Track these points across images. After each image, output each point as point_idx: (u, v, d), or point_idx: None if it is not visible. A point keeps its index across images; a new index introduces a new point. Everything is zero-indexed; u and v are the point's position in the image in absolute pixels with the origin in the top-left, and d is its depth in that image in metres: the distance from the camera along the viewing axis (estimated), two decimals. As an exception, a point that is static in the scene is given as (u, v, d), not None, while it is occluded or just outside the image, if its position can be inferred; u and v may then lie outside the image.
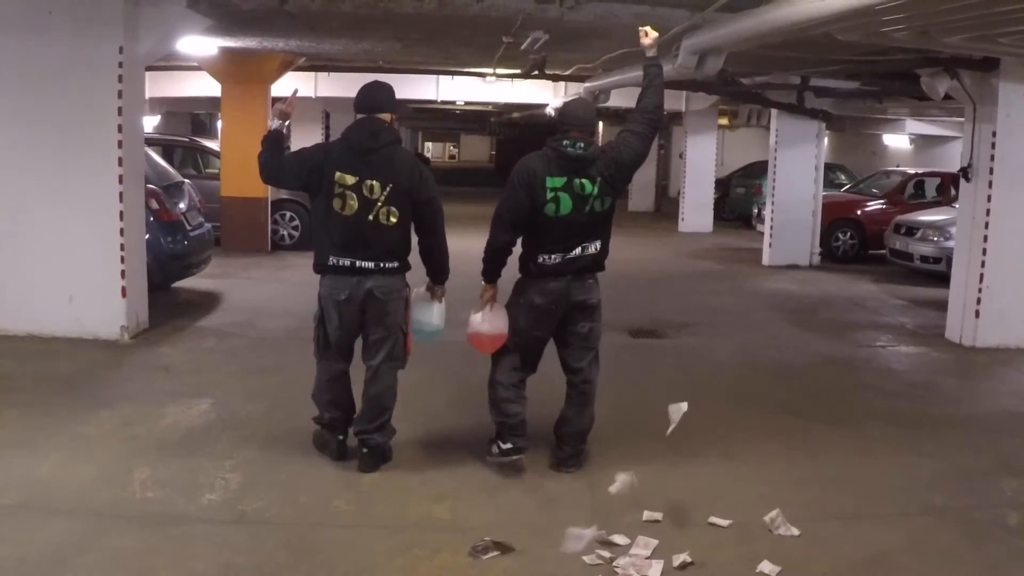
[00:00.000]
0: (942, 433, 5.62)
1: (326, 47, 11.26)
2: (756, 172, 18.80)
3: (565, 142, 4.44)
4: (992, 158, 7.71)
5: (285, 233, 12.92)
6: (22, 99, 6.88)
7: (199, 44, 10.22)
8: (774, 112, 13.16)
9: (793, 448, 5.22)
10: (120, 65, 6.80)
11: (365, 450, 4.58)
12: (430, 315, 4.76)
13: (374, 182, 4.38)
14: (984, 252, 7.77)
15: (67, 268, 6.92)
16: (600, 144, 4.77)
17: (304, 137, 15.71)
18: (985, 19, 5.07)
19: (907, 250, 11.89)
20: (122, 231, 6.91)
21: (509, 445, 4.67)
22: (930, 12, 4.86)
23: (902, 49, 6.89)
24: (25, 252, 6.94)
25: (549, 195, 4.40)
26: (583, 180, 4.43)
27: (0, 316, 6.92)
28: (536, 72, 12.16)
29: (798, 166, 12.99)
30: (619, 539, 3.88)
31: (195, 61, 12.16)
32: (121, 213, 6.90)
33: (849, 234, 14.05)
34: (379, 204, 4.39)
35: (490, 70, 13.83)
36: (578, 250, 4.50)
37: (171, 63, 12.73)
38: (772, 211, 13.13)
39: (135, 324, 7.18)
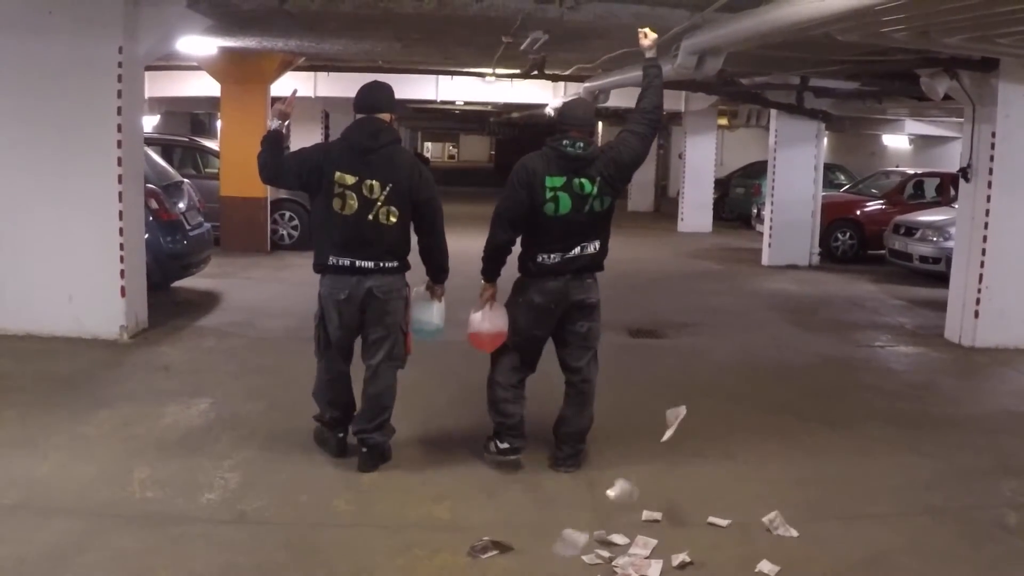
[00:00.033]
0: (941, 433, 5.62)
1: (326, 47, 11.26)
2: (755, 172, 18.80)
3: (565, 142, 4.45)
4: (991, 158, 7.72)
5: (284, 233, 12.92)
6: (22, 99, 6.88)
7: (199, 44, 10.22)
8: (773, 112, 13.16)
9: (792, 448, 5.22)
10: (120, 65, 6.79)
11: (364, 449, 4.58)
12: (430, 314, 4.77)
13: (374, 182, 4.38)
14: (983, 252, 7.77)
15: (66, 268, 6.92)
16: (599, 144, 4.78)
17: (304, 137, 15.70)
18: (985, 19, 5.08)
19: (906, 250, 11.89)
20: (121, 231, 6.91)
21: (506, 445, 4.70)
22: (930, 12, 4.87)
23: (902, 49, 6.89)
24: (25, 252, 6.94)
25: (548, 194, 4.41)
26: (582, 180, 4.44)
27: (-1, 315, 6.93)
28: (535, 72, 12.16)
29: (797, 166, 13.00)
30: (618, 539, 3.88)
31: (195, 61, 12.16)
32: (120, 213, 6.89)
33: (848, 234, 14.06)
34: (379, 204, 4.39)
35: (489, 70, 13.83)
36: (577, 249, 4.51)
37: (171, 63, 12.73)
38: (771, 211, 13.13)
39: (134, 324, 7.18)
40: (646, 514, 4.14)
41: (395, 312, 4.54)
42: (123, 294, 6.98)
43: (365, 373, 4.60)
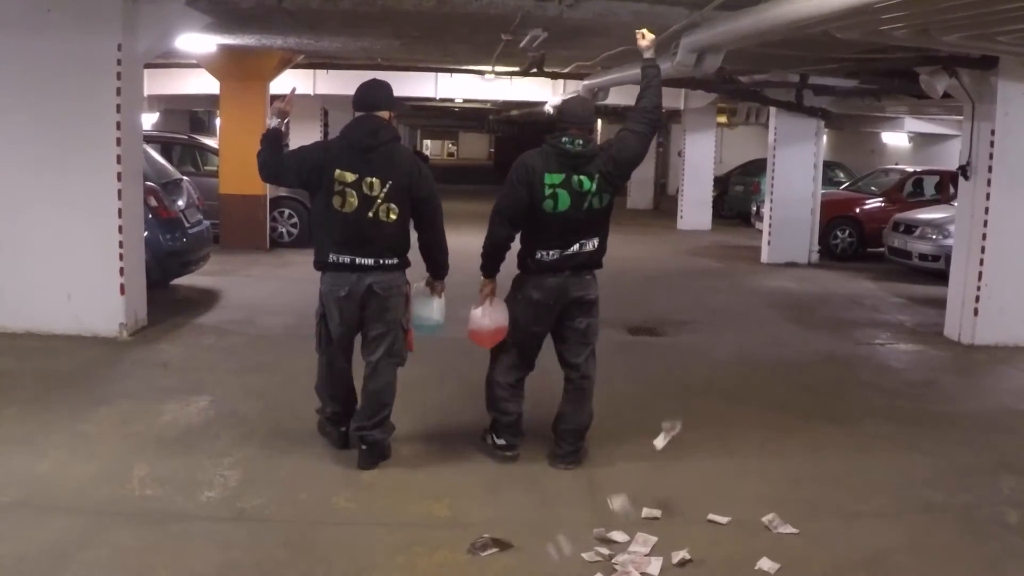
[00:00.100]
0: (941, 431, 5.63)
1: (325, 45, 11.25)
2: (755, 170, 18.80)
3: (564, 139, 4.46)
4: (991, 156, 7.72)
5: (284, 230, 12.92)
6: (21, 97, 6.87)
7: (198, 41, 10.21)
8: (773, 110, 13.16)
9: (792, 445, 5.23)
10: (119, 63, 6.79)
11: (364, 447, 4.59)
12: (430, 310, 4.79)
13: (374, 179, 4.39)
14: (983, 250, 7.77)
15: (66, 266, 6.92)
16: (599, 142, 4.79)
17: (303, 135, 15.69)
18: (984, 17, 5.08)
19: (906, 248, 11.90)
20: (121, 228, 6.91)
21: (503, 441, 4.78)
22: (929, 10, 4.86)
23: (901, 47, 6.89)
24: (24, 250, 6.94)
25: (547, 191, 4.42)
26: (581, 177, 4.45)
27: (-1, 314, 6.92)
28: (535, 70, 12.15)
29: (797, 164, 12.99)
30: (618, 536, 3.89)
31: (194, 58, 12.14)
32: (120, 211, 6.89)
33: (848, 232, 14.06)
34: (379, 201, 4.40)
35: (489, 68, 13.81)
36: (576, 247, 4.52)
37: (170, 60, 12.70)
38: (771, 209, 13.13)
39: (134, 321, 7.18)
40: (646, 511, 4.15)
41: (395, 309, 4.55)
42: (122, 292, 6.97)
43: (365, 370, 4.61)
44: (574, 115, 4.57)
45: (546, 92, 16.64)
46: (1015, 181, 7.72)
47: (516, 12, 7.15)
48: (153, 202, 8.22)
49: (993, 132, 7.68)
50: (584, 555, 3.73)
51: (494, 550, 3.76)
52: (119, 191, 6.88)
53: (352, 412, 4.74)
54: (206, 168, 13.00)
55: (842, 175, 18.43)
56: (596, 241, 4.58)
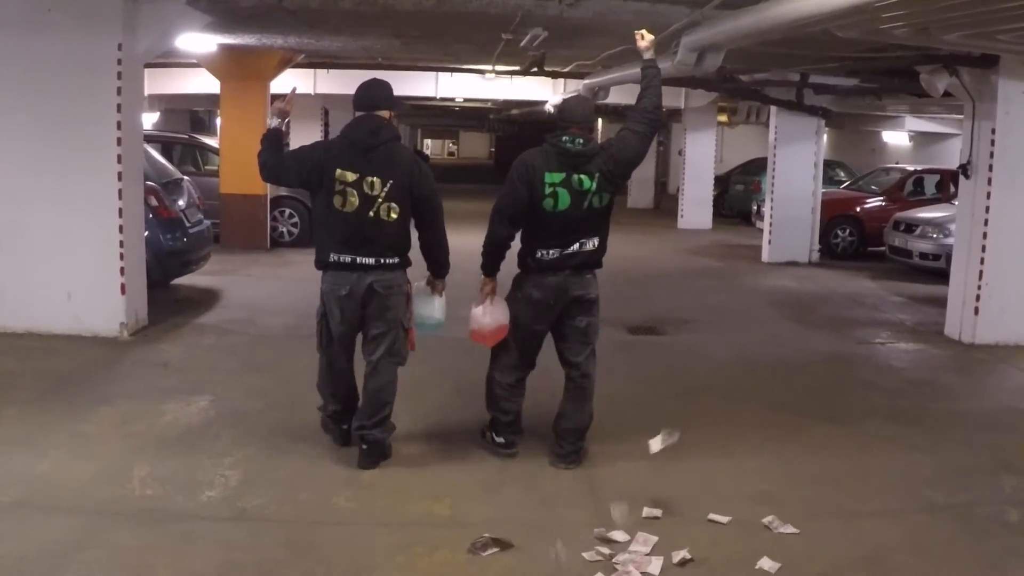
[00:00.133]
0: (941, 430, 5.62)
1: (325, 44, 11.25)
2: (755, 169, 18.80)
3: (564, 138, 4.47)
4: (991, 155, 7.72)
5: (284, 230, 12.92)
6: (21, 97, 6.88)
7: (198, 41, 10.22)
8: (773, 109, 13.15)
9: (792, 445, 5.22)
10: (119, 62, 6.79)
11: (364, 446, 4.59)
12: (431, 309, 4.81)
13: (374, 178, 4.39)
14: (983, 249, 7.77)
15: (66, 265, 6.92)
16: (599, 141, 4.79)
17: (303, 134, 15.70)
18: (984, 16, 5.07)
19: (906, 247, 11.89)
20: (121, 228, 6.91)
21: (502, 440, 4.82)
22: (929, 9, 4.86)
23: (901, 46, 6.88)
24: (24, 250, 6.94)
25: (548, 190, 4.43)
26: (582, 176, 4.45)
27: (-1, 313, 6.93)
28: (535, 69, 12.15)
29: (797, 163, 12.98)
30: (619, 535, 3.89)
31: (194, 58, 12.14)
32: (120, 210, 6.89)
33: (848, 231, 14.06)
34: (380, 200, 4.40)
35: (489, 67, 13.80)
36: (576, 246, 4.53)
37: (170, 60, 12.70)
38: (771, 208, 13.12)
39: (134, 321, 7.18)
40: (646, 511, 4.15)
41: (396, 308, 4.55)
42: (123, 291, 6.98)
43: (366, 368, 4.61)
44: (574, 114, 4.58)
45: (546, 91, 16.64)
46: (1016, 180, 7.71)
47: (516, 11, 7.15)
48: (154, 202, 8.22)
49: (994, 131, 7.68)
50: (585, 554, 3.73)
51: (494, 550, 3.76)
52: (120, 191, 6.88)
53: (354, 410, 4.74)
54: (207, 168, 13.00)
55: (843, 174, 18.43)
56: (596, 240, 4.58)
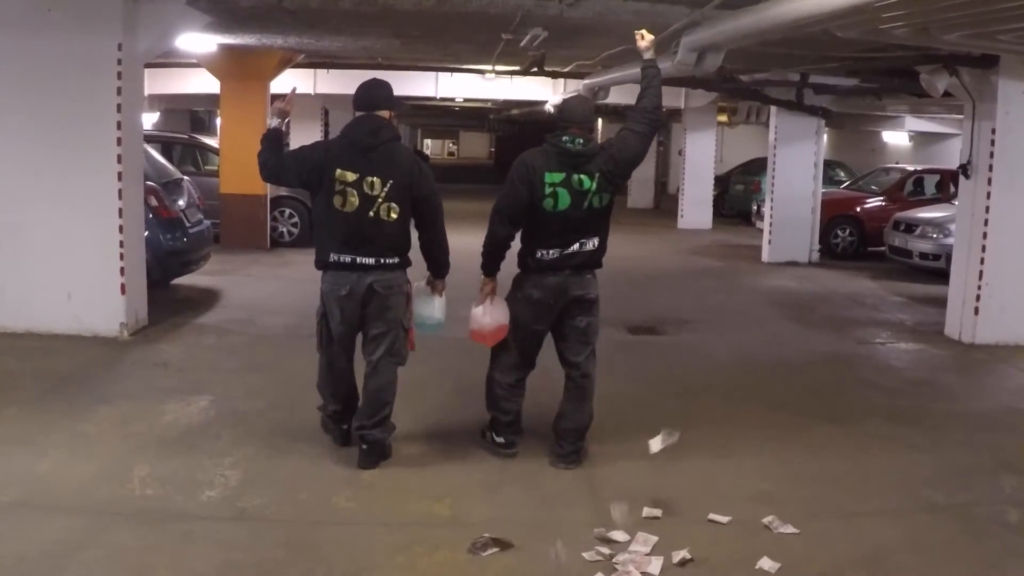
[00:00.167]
0: (941, 430, 5.62)
1: (325, 44, 11.25)
2: (755, 169, 18.80)
3: (564, 138, 4.47)
4: (991, 155, 7.72)
5: (284, 230, 12.92)
6: (21, 97, 6.88)
7: (198, 41, 10.21)
8: (773, 109, 13.15)
9: (792, 445, 5.22)
10: (119, 62, 6.79)
11: (364, 446, 4.59)
12: (431, 308, 4.81)
13: (375, 178, 4.39)
14: (983, 249, 7.77)
15: (66, 265, 6.92)
16: (599, 141, 4.80)
17: (303, 134, 15.69)
18: (984, 16, 5.07)
19: (906, 247, 11.89)
20: (121, 228, 6.91)
21: (502, 440, 4.83)
22: (929, 9, 4.86)
23: (901, 46, 6.88)
24: (24, 249, 6.94)
25: (547, 190, 4.43)
26: (582, 176, 4.45)
27: (-1, 313, 6.93)
28: (535, 69, 12.15)
29: (797, 163, 12.98)
30: (619, 535, 3.89)
31: (194, 58, 12.14)
32: (120, 210, 6.89)
33: (848, 231, 14.06)
34: (380, 200, 4.40)
35: (489, 67, 13.80)
36: (576, 246, 4.53)
37: (170, 60, 12.70)
38: (771, 208, 13.12)
39: (134, 321, 7.18)
40: (646, 511, 4.15)
41: (396, 308, 4.55)
42: (123, 291, 6.98)
43: (365, 368, 4.61)
44: (574, 114, 4.58)
45: (546, 91, 16.64)
46: (1015, 180, 7.71)
47: (516, 11, 7.15)
48: (154, 202, 8.22)
49: (994, 131, 7.68)
50: (585, 554, 3.73)
51: (494, 550, 3.76)
52: (119, 191, 6.88)
53: (354, 410, 4.74)
54: (207, 168, 13.00)
55: (843, 174, 18.42)
56: (596, 240, 4.59)
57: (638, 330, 8.15)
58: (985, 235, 7.75)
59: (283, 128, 4.64)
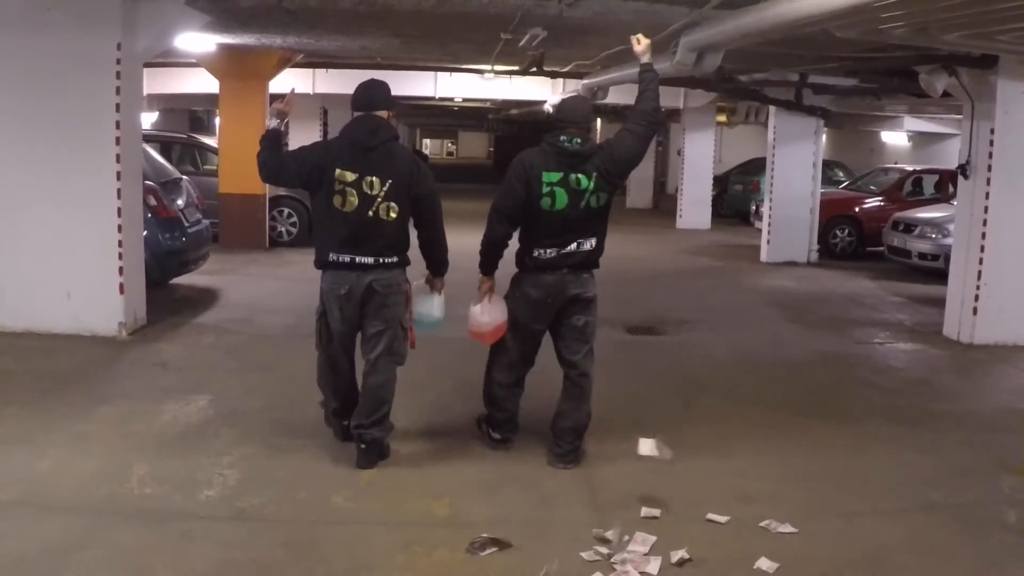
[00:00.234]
0: (940, 430, 5.63)
1: (324, 44, 11.24)
2: (754, 169, 18.80)
3: (563, 137, 4.48)
4: (990, 155, 7.72)
5: (283, 230, 12.92)
6: (20, 96, 6.87)
7: (197, 40, 10.20)
8: (772, 109, 13.15)
9: (791, 444, 5.22)
10: (118, 62, 6.78)
11: (363, 445, 4.59)
12: (430, 307, 4.82)
13: (374, 178, 4.40)
14: (982, 249, 7.77)
15: (65, 265, 6.91)
16: (598, 141, 4.80)
17: (303, 134, 15.69)
18: (983, 16, 5.07)
19: (905, 247, 11.90)
20: (120, 228, 6.91)
21: (498, 436, 4.88)
22: (929, 9, 4.86)
23: (900, 46, 6.88)
24: (23, 249, 6.94)
25: (545, 189, 4.44)
26: (579, 175, 4.46)
27: (-2, 313, 6.92)
28: (534, 69, 12.14)
29: (796, 163, 12.99)
30: (617, 535, 3.88)
31: (193, 58, 12.13)
32: (119, 210, 6.89)
33: (847, 231, 14.06)
34: (379, 200, 4.41)
35: (488, 67, 13.80)
36: (573, 245, 4.54)
37: (169, 60, 12.69)
38: (770, 208, 13.13)
39: (133, 320, 7.17)
40: (645, 510, 4.15)
41: (395, 307, 4.56)
42: (122, 291, 6.97)
43: (364, 367, 4.62)
44: (572, 114, 4.59)
45: (545, 91, 16.63)
46: (1014, 180, 7.72)
47: (515, 11, 7.15)
48: (152, 201, 8.22)
49: (992, 131, 7.68)
50: (583, 554, 3.73)
51: (493, 549, 3.76)
52: (118, 190, 6.88)
53: (353, 407, 4.74)
54: (205, 167, 12.99)
55: (841, 174, 18.42)
56: (594, 240, 4.59)
57: (637, 330, 8.16)
58: (984, 235, 7.75)
59: (282, 128, 4.65)
